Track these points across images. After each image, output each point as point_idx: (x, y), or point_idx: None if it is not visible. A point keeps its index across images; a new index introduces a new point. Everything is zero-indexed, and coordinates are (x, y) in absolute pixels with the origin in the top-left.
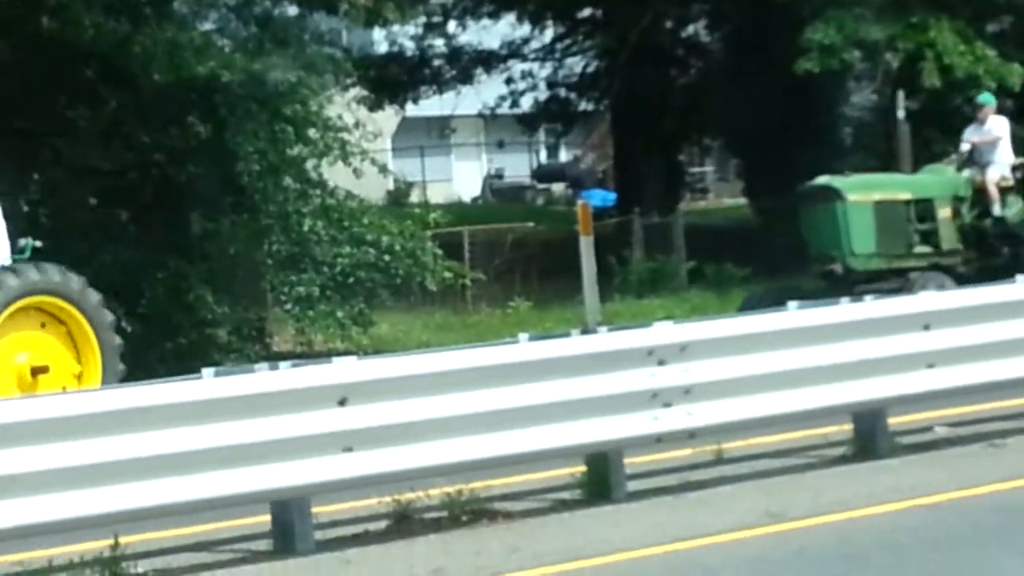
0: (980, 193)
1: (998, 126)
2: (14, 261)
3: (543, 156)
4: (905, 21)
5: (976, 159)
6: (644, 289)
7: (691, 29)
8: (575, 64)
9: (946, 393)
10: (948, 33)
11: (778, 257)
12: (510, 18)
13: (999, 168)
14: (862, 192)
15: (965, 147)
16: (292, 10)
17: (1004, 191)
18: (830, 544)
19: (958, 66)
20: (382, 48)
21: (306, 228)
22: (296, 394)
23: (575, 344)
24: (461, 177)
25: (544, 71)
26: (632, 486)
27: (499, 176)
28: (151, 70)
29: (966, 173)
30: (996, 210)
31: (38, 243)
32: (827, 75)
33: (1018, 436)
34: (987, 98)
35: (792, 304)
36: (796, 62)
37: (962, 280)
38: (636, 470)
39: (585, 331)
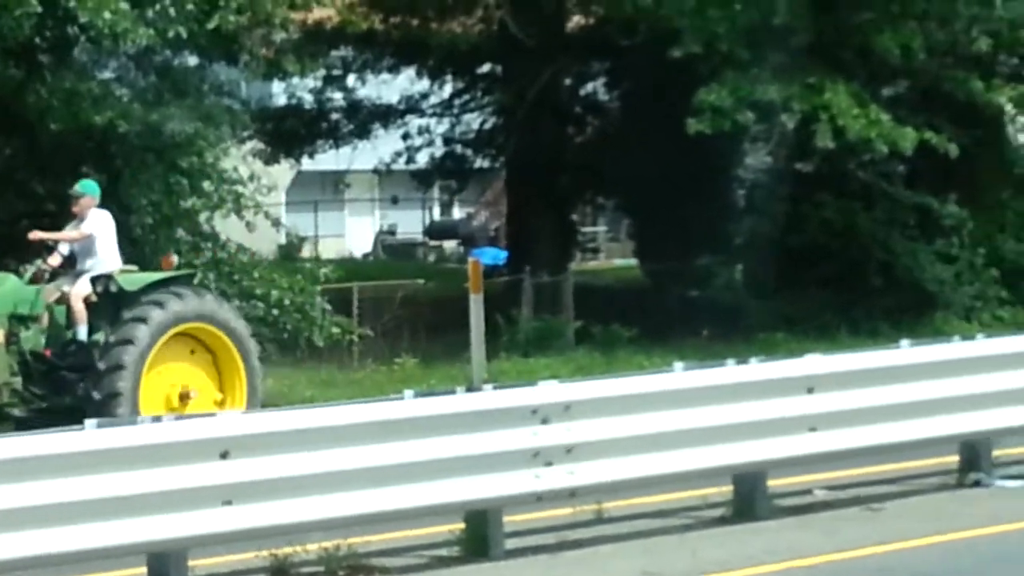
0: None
1: (96, 223)
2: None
3: (436, 213)
4: (801, 82)
5: (73, 265)
6: (531, 348)
7: (590, 87)
8: (472, 120)
9: (827, 456)
10: (843, 95)
11: (667, 318)
12: (409, 73)
13: (88, 280)
14: None
15: (55, 259)
16: (192, 60)
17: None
18: None
19: (852, 128)
20: (280, 101)
21: (196, 282)
22: (178, 447)
23: (459, 401)
24: (354, 232)
25: (441, 127)
26: (511, 544)
27: (391, 232)
28: (47, 118)
29: (53, 284)
30: (81, 333)
31: None
32: (722, 136)
33: (895, 500)
34: (87, 186)
35: (678, 365)
36: (688, 123)
37: (25, 425)
38: (515, 528)
39: (470, 389)
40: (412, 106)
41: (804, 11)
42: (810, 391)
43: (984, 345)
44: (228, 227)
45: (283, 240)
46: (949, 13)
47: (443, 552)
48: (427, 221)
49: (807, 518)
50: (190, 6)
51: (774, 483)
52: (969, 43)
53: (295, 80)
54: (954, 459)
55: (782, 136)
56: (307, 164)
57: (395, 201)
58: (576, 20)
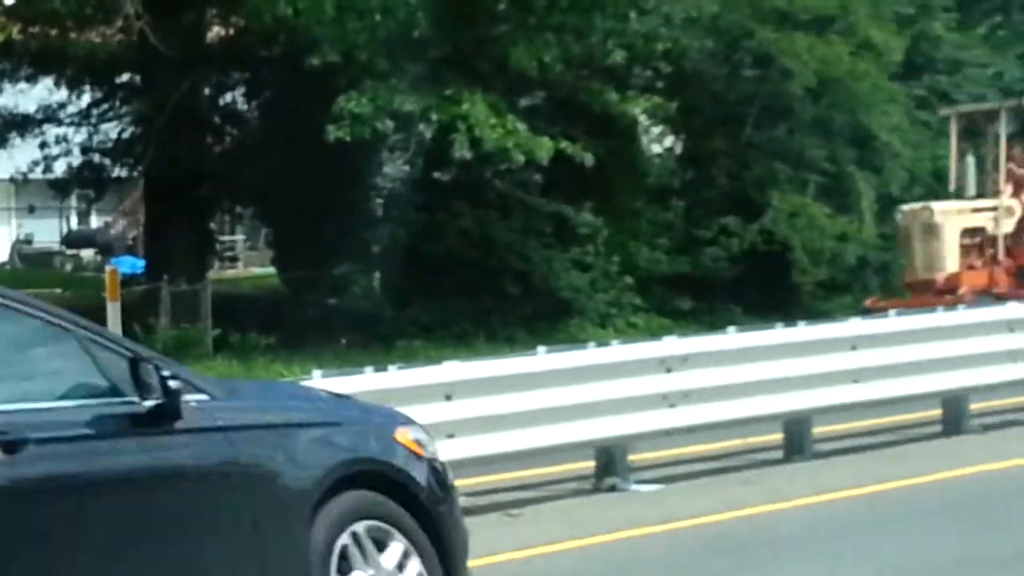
0: None
1: None
2: None
3: (74, 222)
4: (440, 93)
5: None
6: (169, 356)
7: (229, 97)
8: (111, 130)
9: (466, 463)
10: (481, 106)
11: (305, 327)
12: (48, 82)
13: None
14: None
15: None
16: None
17: None
18: None
19: (489, 138)
20: None
21: None
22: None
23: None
24: None
25: (79, 136)
26: None
27: (28, 242)
28: None
29: None
30: None
31: None
32: (360, 145)
33: (534, 505)
34: None
35: (316, 372)
36: (328, 130)
37: None
38: None
39: None
40: (50, 115)
41: (442, 23)
42: (448, 398)
43: (618, 351)
44: None
45: None
46: (585, 26)
47: None
48: (64, 230)
49: None
50: None
51: None
52: (605, 55)
53: None
54: (590, 464)
55: (420, 145)
56: None
57: (32, 210)
58: (216, 31)
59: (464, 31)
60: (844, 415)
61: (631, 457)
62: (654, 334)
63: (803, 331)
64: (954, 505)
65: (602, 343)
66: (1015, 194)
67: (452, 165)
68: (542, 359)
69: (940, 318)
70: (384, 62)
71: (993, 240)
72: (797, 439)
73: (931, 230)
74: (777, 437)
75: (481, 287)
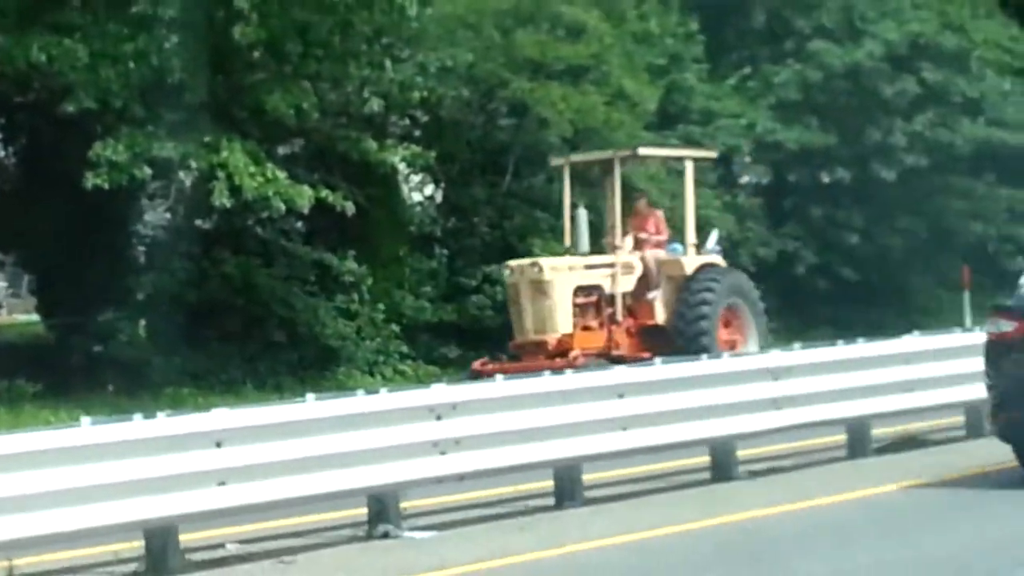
0: None
1: None
2: None
3: None
4: (198, 140)
5: None
6: None
7: None
8: None
9: (238, 510)
10: (239, 154)
11: (72, 374)
12: None
13: None
14: None
15: None
16: None
17: None
18: None
19: (248, 187)
20: None
21: None
22: None
23: None
24: None
25: None
26: None
27: None
28: None
29: None
30: None
31: None
32: (121, 192)
33: (307, 552)
34: None
35: (85, 419)
36: (86, 177)
37: None
38: None
39: None
40: None
41: (198, 70)
42: (219, 445)
43: (388, 399)
44: None
45: None
46: (341, 74)
47: None
48: None
49: (220, 572)
50: None
51: (187, 537)
52: (361, 104)
53: None
54: (364, 511)
55: (180, 193)
56: None
57: None
58: None
59: (220, 78)
60: (615, 462)
61: (404, 504)
62: (422, 382)
63: (572, 379)
64: (724, 551)
65: (371, 391)
66: (637, 249)
67: (213, 213)
68: (312, 406)
69: (704, 366)
70: (140, 109)
71: (611, 299)
72: (568, 486)
73: (541, 288)
74: (549, 484)
75: (247, 334)
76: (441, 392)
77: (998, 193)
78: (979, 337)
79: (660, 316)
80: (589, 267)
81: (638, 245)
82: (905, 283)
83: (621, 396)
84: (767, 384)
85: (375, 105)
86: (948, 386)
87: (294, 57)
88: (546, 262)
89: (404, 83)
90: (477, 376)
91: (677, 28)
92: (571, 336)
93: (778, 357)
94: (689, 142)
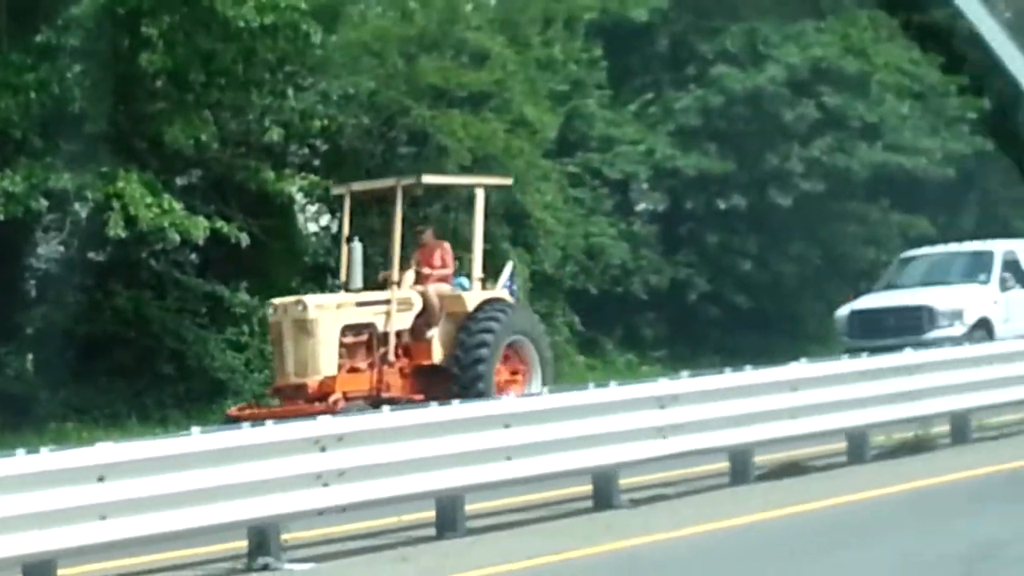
0: None
1: None
2: None
3: None
4: (95, 170)
5: None
6: None
7: None
8: None
9: (119, 544)
10: (136, 184)
11: None
12: None
13: None
14: None
15: None
16: None
17: None
18: None
19: (144, 218)
20: None
21: None
22: None
23: None
24: None
25: None
26: None
27: None
28: None
29: None
30: None
31: None
32: (15, 224)
33: None
34: None
35: None
36: None
37: None
38: None
39: None
40: None
41: (99, 100)
42: (101, 480)
43: (272, 431)
44: None
45: None
46: (244, 103)
47: None
48: None
49: None
50: None
51: (66, 572)
52: (262, 133)
53: None
54: (243, 544)
55: (75, 225)
56: None
57: None
58: None
59: (120, 108)
60: (498, 492)
61: (285, 536)
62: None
63: (456, 409)
64: None
65: (257, 423)
66: (419, 283)
67: (108, 245)
68: (196, 439)
69: (590, 395)
70: (39, 139)
71: (385, 337)
72: (451, 516)
73: (304, 327)
74: (431, 514)
75: (137, 368)
76: (327, 424)
77: (892, 219)
78: (867, 363)
79: (437, 355)
80: (361, 304)
81: (420, 279)
82: (797, 309)
83: (507, 426)
84: (653, 412)
85: (275, 135)
86: (833, 412)
87: (197, 86)
88: (311, 299)
89: (305, 112)
90: (234, 422)
91: (581, 54)
92: (333, 379)
93: (665, 386)
94: (587, 169)
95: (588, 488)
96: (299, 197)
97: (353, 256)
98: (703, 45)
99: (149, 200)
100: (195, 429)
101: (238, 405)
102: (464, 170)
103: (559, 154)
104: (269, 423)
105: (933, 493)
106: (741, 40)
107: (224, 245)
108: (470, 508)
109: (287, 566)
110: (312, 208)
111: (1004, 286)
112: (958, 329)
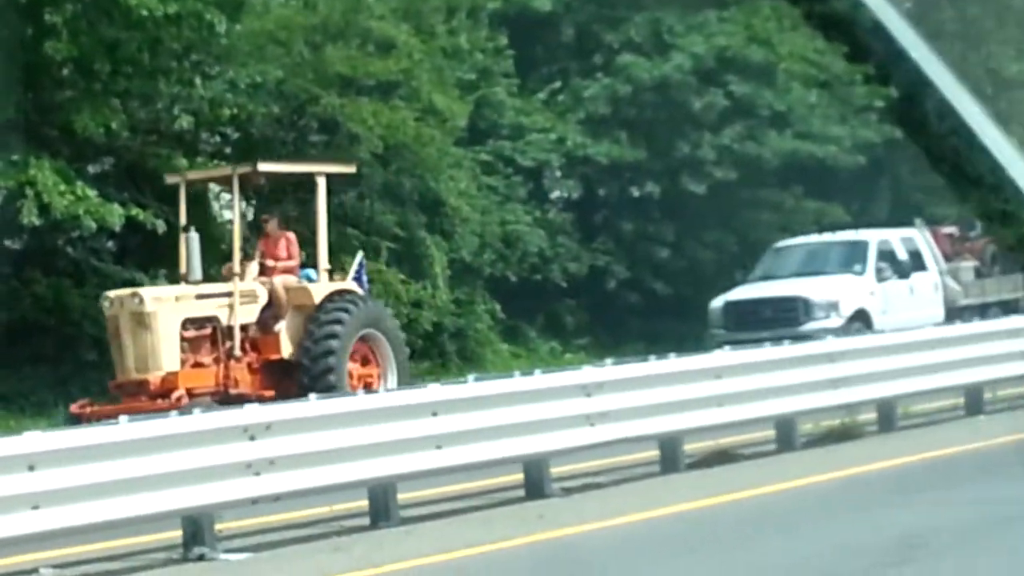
0: None
1: None
2: None
3: None
4: (6, 158)
5: None
6: None
7: None
8: None
9: (49, 535)
10: (49, 172)
11: None
12: None
13: None
14: None
15: None
16: None
17: None
18: None
19: (58, 205)
20: None
21: None
22: None
23: None
24: None
25: None
26: None
27: None
28: None
29: None
30: None
31: None
32: None
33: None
34: None
35: None
36: None
37: None
38: None
39: None
40: None
41: (6, 87)
42: (31, 468)
43: (200, 420)
44: None
45: None
46: (152, 91)
47: None
48: None
49: None
50: None
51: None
52: (171, 121)
53: None
54: (178, 533)
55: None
56: None
57: None
58: None
59: (29, 96)
60: (430, 481)
61: (219, 526)
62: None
63: (385, 397)
64: (540, 568)
65: (184, 411)
66: (264, 276)
67: (23, 232)
68: (125, 428)
69: (517, 383)
70: None
71: (230, 331)
72: (383, 505)
73: (142, 320)
74: (363, 504)
75: (59, 355)
76: (255, 412)
77: (806, 206)
78: (791, 350)
79: (286, 350)
80: (201, 296)
81: (265, 271)
82: (714, 296)
83: (435, 414)
84: (580, 400)
85: (185, 122)
86: (760, 399)
87: (103, 75)
88: (148, 292)
89: (214, 100)
90: (76, 420)
91: (487, 43)
92: (176, 375)
93: (591, 373)
94: (499, 157)
95: (520, 477)
96: (212, 185)
97: (191, 247)
98: (608, 34)
99: (63, 188)
100: (123, 418)
101: (79, 402)
102: (376, 158)
103: (470, 142)
104: (197, 411)
105: (862, 481)
106: (646, 29)
107: (140, 232)
108: (403, 497)
109: (222, 556)
110: (227, 196)
111: (880, 276)
112: (835, 321)
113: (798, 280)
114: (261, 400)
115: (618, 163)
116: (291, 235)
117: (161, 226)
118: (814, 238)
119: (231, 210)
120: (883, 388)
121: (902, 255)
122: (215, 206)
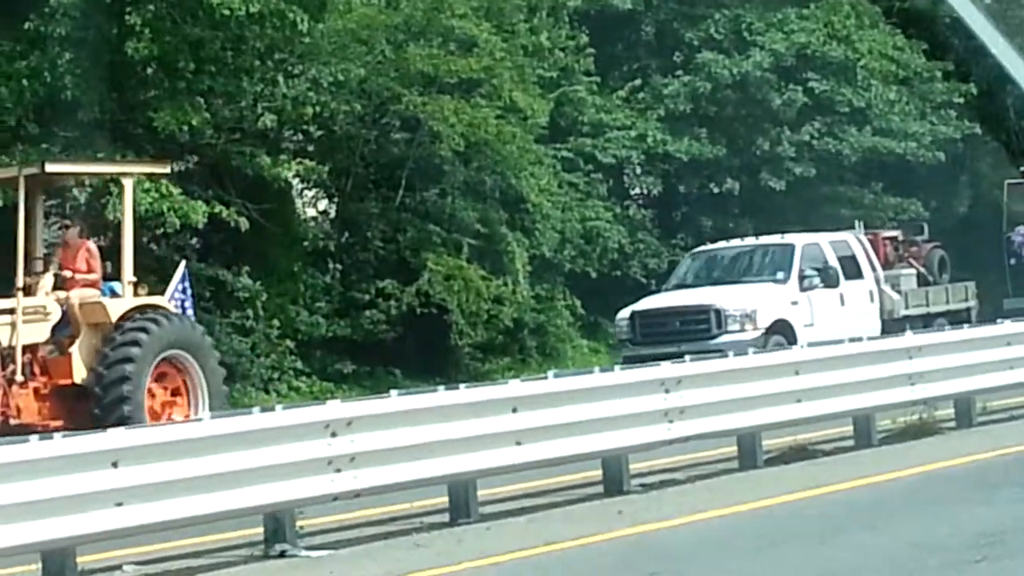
0: None
1: None
2: None
3: None
4: (92, 157)
5: None
6: None
7: None
8: None
9: (135, 530)
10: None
11: None
12: None
13: None
14: None
15: None
16: None
17: None
18: None
19: (143, 202)
20: None
21: None
22: None
23: None
24: None
25: None
26: None
27: None
28: None
29: None
30: None
31: None
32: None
33: (206, 573)
34: None
35: None
36: None
37: None
38: None
39: None
40: None
41: (91, 87)
42: (115, 465)
43: (283, 416)
44: None
45: None
46: (235, 90)
47: None
48: None
49: None
50: None
51: (84, 559)
52: (255, 119)
53: None
54: (260, 530)
55: (75, 209)
56: None
57: None
58: None
59: (113, 95)
60: (509, 477)
61: (300, 522)
62: (317, 398)
63: (465, 393)
64: (621, 565)
65: (266, 408)
66: (61, 289)
67: (108, 230)
68: (208, 425)
69: (598, 379)
70: (34, 126)
71: (11, 353)
72: (463, 501)
73: None
74: (443, 500)
75: None
76: (335, 408)
77: (885, 201)
78: (869, 345)
79: (79, 374)
80: None
81: (63, 284)
82: None
83: (515, 410)
84: (659, 396)
85: (268, 120)
86: (838, 395)
87: (187, 73)
88: None
89: (297, 98)
90: None
91: (567, 41)
92: None
93: (669, 369)
94: (580, 154)
95: (598, 473)
96: (296, 182)
97: None
98: (688, 32)
99: (147, 185)
100: (206, 415)
101: None
102: (457, 156)
103: (551, 140)
104: (279, 408)
105: (941, 477)
106: (725, 27)
107: (224, 230)
108: (483, 494)
109: (303, 552)
110: (309, 193)
111: (805, 285)
112: (751, 333)
113: (712, 289)
114: (46, 431)
115: (698, 160)
116: (91, 245)
117: (244, 223)
118: (735, 243)
119: (311, 207)
120: (961, 384)
121: (833, 261)
122: (298, 203)
